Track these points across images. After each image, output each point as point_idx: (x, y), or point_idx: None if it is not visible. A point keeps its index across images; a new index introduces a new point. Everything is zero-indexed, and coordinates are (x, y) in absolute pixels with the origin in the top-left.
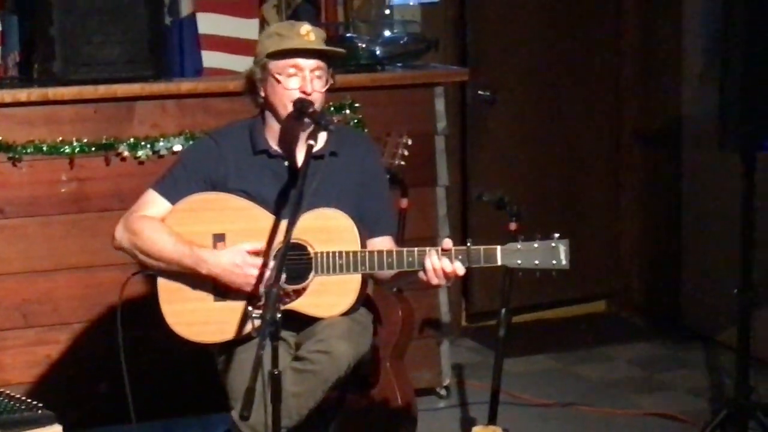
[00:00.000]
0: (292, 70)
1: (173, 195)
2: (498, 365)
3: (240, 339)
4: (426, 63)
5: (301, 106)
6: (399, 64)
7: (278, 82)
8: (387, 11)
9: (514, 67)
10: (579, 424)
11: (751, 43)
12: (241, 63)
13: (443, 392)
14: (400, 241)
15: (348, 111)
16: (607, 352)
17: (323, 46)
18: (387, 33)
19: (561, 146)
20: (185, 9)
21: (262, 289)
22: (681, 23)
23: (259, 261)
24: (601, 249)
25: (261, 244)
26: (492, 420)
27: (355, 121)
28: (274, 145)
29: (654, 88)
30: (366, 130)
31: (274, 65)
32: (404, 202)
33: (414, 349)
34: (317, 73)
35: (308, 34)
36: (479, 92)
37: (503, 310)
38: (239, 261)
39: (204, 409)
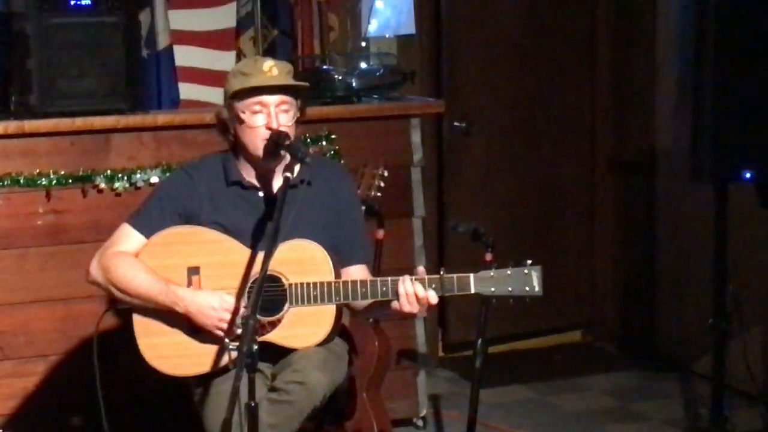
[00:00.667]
0: (257, 107)
1: (147, 229)
2: (474, 395)
3: (217, 371)
4: (402, 95)
5: (278, 138)
6: (375, 96)
7: (244, 121)
8: (363, 44)
9: (490, 98)
10: None
11: (722, 75)
12: (218, 95)
13: (420, 423)
14: (376, 272)
15: (324, 143)
16: (582, 382)
17: (286, 80)
18: (363, 65)
19: (536, 177)
20: (162, 42)
21: (238, 320)
22: (654, 55)
23: (233, 307)
24: (576, 279)
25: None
26: None
27: (332, 152)
28: (247, 177)
29: (628, 119)
30: (342, 162)
31: (240, 104)
32: (380, 233)
33: (390, 379)
34: (283, 107)
35: (271, 69)
36: (455, 123)
37: (479, 341)
38: (216, 304)
39: None
